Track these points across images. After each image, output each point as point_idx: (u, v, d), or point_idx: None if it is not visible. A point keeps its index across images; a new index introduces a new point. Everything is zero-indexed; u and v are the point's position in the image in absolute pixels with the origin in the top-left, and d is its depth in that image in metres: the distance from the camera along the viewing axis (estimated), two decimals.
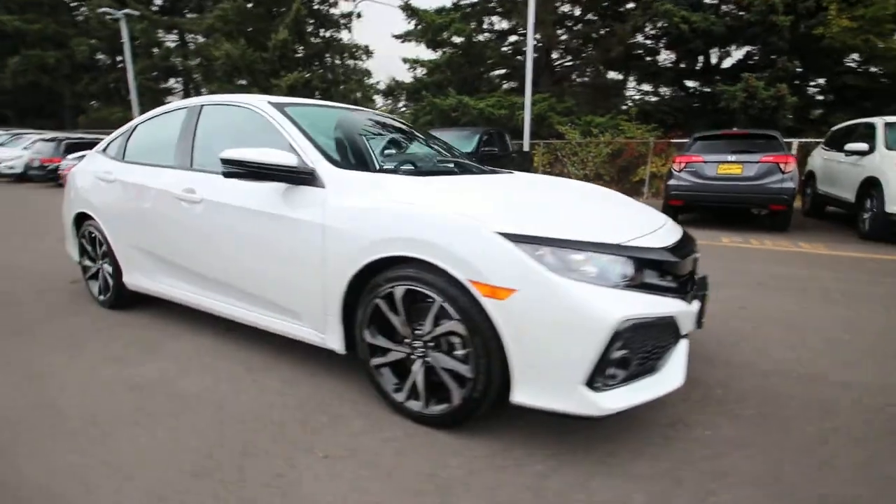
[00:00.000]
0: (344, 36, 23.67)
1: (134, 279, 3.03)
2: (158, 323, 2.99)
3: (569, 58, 17.82)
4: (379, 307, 1.83)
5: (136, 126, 3.21)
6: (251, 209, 2.21)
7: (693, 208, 7.17)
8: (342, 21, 23.40)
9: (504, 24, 17.78)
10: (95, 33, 24.23)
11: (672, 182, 6.94)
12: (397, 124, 3.20)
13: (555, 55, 17.57)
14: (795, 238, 6.11)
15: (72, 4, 26.01)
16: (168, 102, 24.94)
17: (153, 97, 24.25)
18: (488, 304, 1.56)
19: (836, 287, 3.83)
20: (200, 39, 23.84)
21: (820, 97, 13.93)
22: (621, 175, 12.02)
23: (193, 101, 2.84)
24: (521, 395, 1.58)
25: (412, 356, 1.82)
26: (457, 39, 16.82)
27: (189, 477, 1.57)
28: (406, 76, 18.61)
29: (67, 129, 22.78)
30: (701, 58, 14.80)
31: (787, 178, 6.23)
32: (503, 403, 1.68)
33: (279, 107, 2.39)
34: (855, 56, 12.07)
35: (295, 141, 2.17)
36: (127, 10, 18.43)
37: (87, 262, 3.40)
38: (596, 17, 16.67)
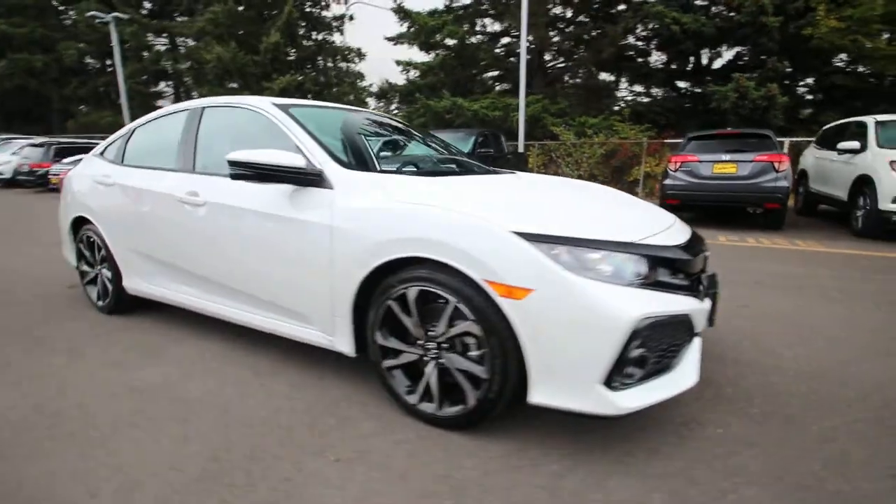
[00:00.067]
0: (336, 38, 23.63)
1: (134, 284, 2.99)
2: (159, 328, 2.95)
3: (561, 59, 17.91)
4: (391, 309, 1.82)
5: (135, 129, 3.17)
6: (257, 211, 2.19)
7: (689, 207, 7.22)
8: (334, 24, 23.35)
9: (496, 26, 17.84)
10: (84, 37, 23.96)
11: (668, 182, 6.99)
12: (399, 125, 3.20)
13: (547, 57, 17.65)
14: (790, 236, 6.17)
15: (60, 8, 25.71)
16: (159, 106, 24.74)
17: (143, 101, 24.01)
18: (505, 304, 1.55)
19: (833, 284, 3.87)
20: (191, 43, 23.66)
21: (809, 97, 14.11)
22: (615, 175, 12.08)
23: (194, 103, 2.81)
24: (539, 395, 1.57)
25: (425, 358, 1.80)
26: (450, 42, 16.85)
27: (195, 481, 1.54)
28: (399, 78, 18.56)
29: (56, 133, 22.51)
30: (692, 59, 14.93)
31: (781, 177, 6.29)
32: (517, 404, 1.67)
33: (284, 108, 2.37)
34: (843, 56, 12.25)
35: (301, 142, 2.15)
36: (116, 14, 18.25)
37: (85, 267, 3.35)
38: (587, 19, 16.78)
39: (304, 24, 22.54)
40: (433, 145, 3.09)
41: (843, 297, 3.53)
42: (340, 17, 23.28)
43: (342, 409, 1.99)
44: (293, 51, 21.90)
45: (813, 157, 7.97)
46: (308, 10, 22.64)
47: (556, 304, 1.49)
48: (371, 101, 22.04)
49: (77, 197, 3.31)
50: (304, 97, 19.05)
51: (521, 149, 11.80)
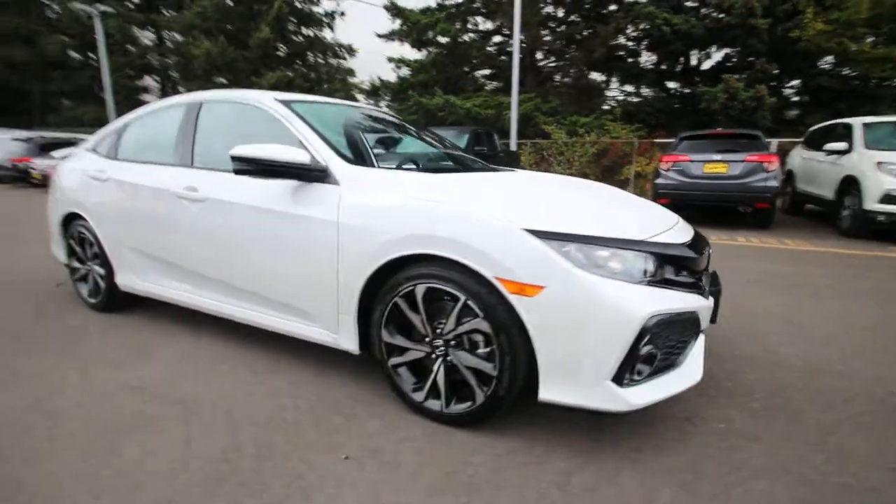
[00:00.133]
0: (327, 34, 23.42)
1: (128, 281, 2.93)
2: (152, 325, 2.90)
3: (552, 59, 17.97)
4: (398, 306, 1.80)
5: (129, 123, 3.11)
6: (259, 207, 2.16)
7: (680, 207, 7.29)
8: (325, 19, 23.13)
9: (488, 25, 17.84)
10: (67, 29, 23.42)
11: (660, 181, 7.06)
12: (401, 122, 3.18)
13: (539, 56, 17.69)
14: (779, 235, 6.27)
15: (43, 1, 25.09)
16: (145, 101, 24.29)
17: (128, 95, 23.57)
18: (516, 301, 1.55)
19: (825, 283, 3.94)
20: (178, 37, 23.26)
21: (795, 98, 14.37)
22: (606, 174, 12.16)
23: (192, 97, 2.77)
24: (549, 392, 1.58)
25: (433, 355, 1.80)
26: (442, 39, 16.81)
27: (204, 482, 1.52)
28: (390, 75, 18.52)
29: (38, 128, 21.97)
30: (681, 59, 15.10)
31: (770, 177, 6.40)
32: (520, 402, 1.67)
33: (286, 103, 2.34)
34: (829, 59, 12.48)
35: (306, 138, 2.13)
36: (102, 7, 17.86)
37: (76, 264, 3.28)
38: (579, 19, 16.85)
39: (294, 19, 22.29)
40: (434, 142, 3.08)
41: (835, 294, 3.60)
42: (331, 13, 23.09)
43: (347, 407, 1.97)
44: (283, 46, 21.66)
45: (800, 157, 8.11)
46: (298, 5, 22.39)
47: (567, 302, 1.49)
48: (361, 98, 21.92)
49: (67, 192, 3.24)
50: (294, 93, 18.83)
51: (513, 147, 11.82)
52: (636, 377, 1.56)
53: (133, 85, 24.94)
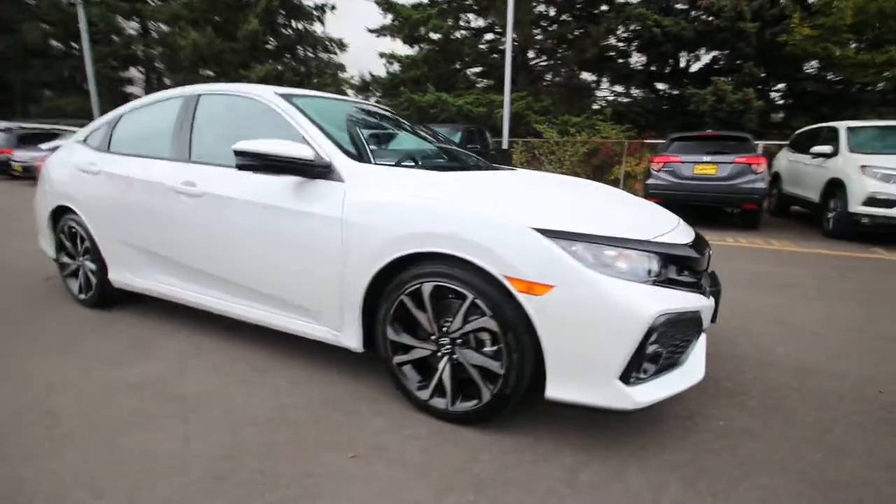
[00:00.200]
0: (317, 28, 23.20)
1: (121, 276, 2.87)
2: (145, 322, 2.85)
3: (544, 58, 18.05)
4: (404, 304, 1.80)
5: (122, 115, 3.05)
6: (260, 203, 2.13)
7: (670, 207, 7.38)
8: (315, 13, 22.91)
9: (480, 22, 17.84)
10: (48, 17, 22.82)
11: (651, 181, 7.14)
12: (401, 119, 3.16)
13: (530, 54, 17.75)
14: (766, 236, 6.39)
15: None
16: (129, 92, 23.70)
17: (112, 87, 23.09)
18: (524, 299, 1.55)
19: (811, 283, 4.03)
20: (164, 27, 22.81)
21: (780, 102, 14.65)
22: (596, 174, 12.25)
23: (189, 89, 2.72)
24: (556, 390, 1.59)
25: (438, 353, 1.80)
26: (434, 35, 16.76)
27: (207, 480, 1.50)
28: (381, 71, 18.39)
29: (18, 118, 21.39)
30: (671, 61, 15.28)
31: (758, 179, 6.51)
32: (526, 399, 1.68)
33: (287, 98, 2.31)
34: (814, 63, 12.73)
35: (309, 134, 2.10)
36: None
37: (66, 259, 3.20)
38: (570, 19, 16.94)
39: (283, 11, 22.03)
40: (434, 140, 3.07)
41: (822, 295, 3.68)
42: (321, 7, 22.86)
43: (349, 405, 1.96)
44: (272, 39, 21.39)
45: (786, 160, 8.26)
46: None
47: (576, 301, 1.51)
48: (351, 94, 21.78)
49: (57, 185, 3.16)
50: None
51: (505, 145, 11.85)
52: (642, 376, 1.58)
53: (117, 76, 24.45)
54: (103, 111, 15.58)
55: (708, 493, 1.48)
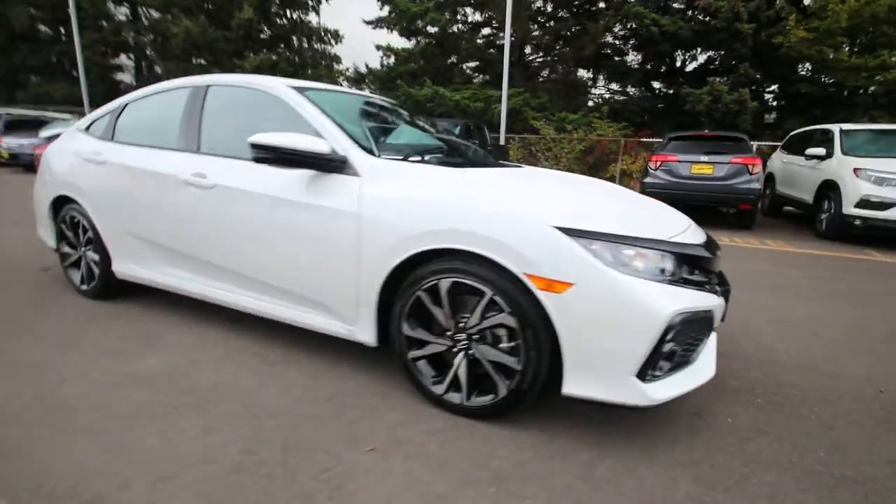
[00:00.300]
0: (312, 18, 22.94)
1: (125, 268, 2.85)
2: (150, 314, 2.83)
3: (541, 54, 18.03)
4: (420, 299, 1.81)
5: (126, 104, 3.00)
6: (273, 196, 2.13)
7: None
8: (311, 3, 22.63)
9: (477, 16, 17.77)
10: (36, 1, 22.27)
11: (648, 180, 7.20)
12: (411, 114, 3.15)
13: (528, 50, 17.73)
14: (760, 236, 6.49)
15: None
16: (119, 80, 23.21)
17: (102, 74, 22.66)
18: (543, 297, 1.57)
19: (806, 284, 4.10)
20: (155, 14, 22.39)
21: (773, 103, 14.79)
22: (592, 171, 12.33)
23: (197, 80, 2.69)
24: (573, 386, 1.61)
25: (454, 349, 1.81)
26: (431, 29, 16.66)
27: (232, 473, 1.51)
28: (375, 63, 18.27)
29: (4, 104, 20.93)
30: (667, 60, 15.34)
31: (754, 179, 6.60)
32: (541, 396, 1.70)
33: (300, 90, 2.30)
34: (808, 65, 12.87)
35: (324, 127, 2.10)
36: None
37: (67, 249, 3.17)
38: (568, 15, 16.94)
39: (278, 1, 21.75)
40: (444, 136, 3.07)
41: (817, 295, 3.76)
42: None
43: (364, 400, 1.97)
44: (267, 28, 21.12)
45: (780, 161, 8.37)
46: None
47: (595, 299, 1.53)
48: (346, 86, 21.60)
49: (58, 175, 3.11)
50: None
51: (502, 141, 11.85)
52: (657, 373, 1.61)
53: (107, 63, 23.96)
54: (93, 98, 15.32)
55: (720, 489, 1.52)
